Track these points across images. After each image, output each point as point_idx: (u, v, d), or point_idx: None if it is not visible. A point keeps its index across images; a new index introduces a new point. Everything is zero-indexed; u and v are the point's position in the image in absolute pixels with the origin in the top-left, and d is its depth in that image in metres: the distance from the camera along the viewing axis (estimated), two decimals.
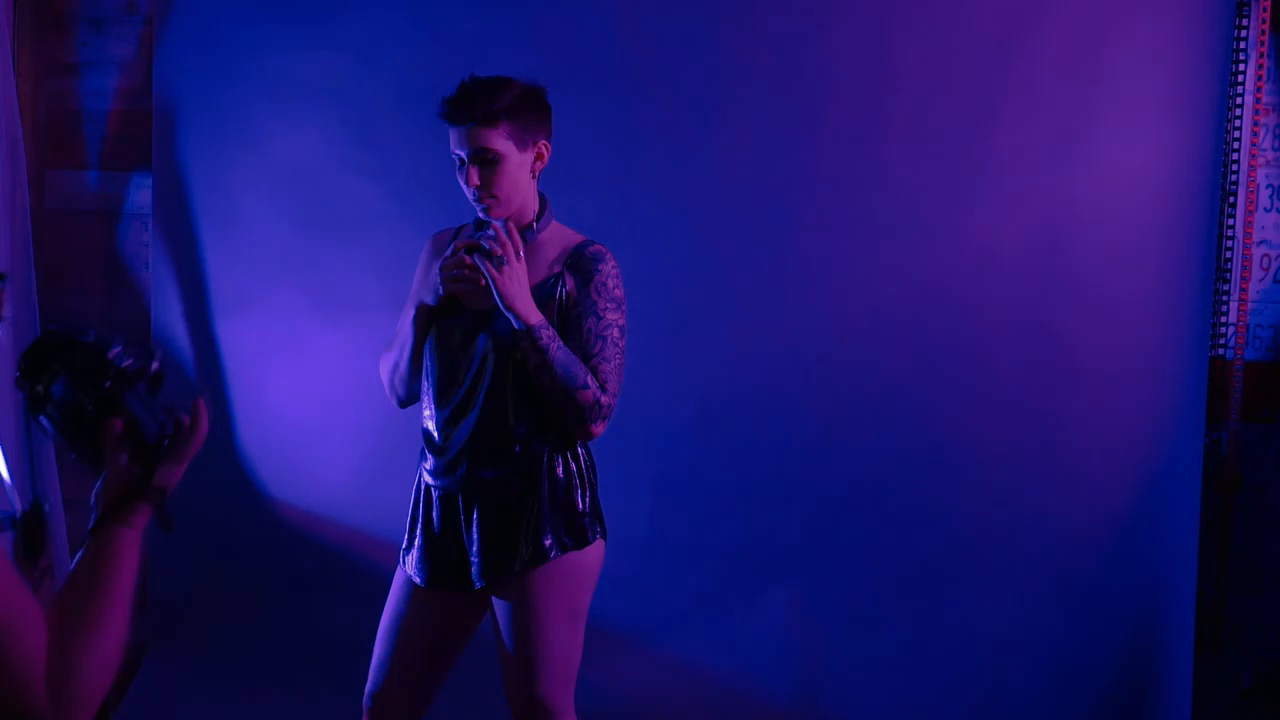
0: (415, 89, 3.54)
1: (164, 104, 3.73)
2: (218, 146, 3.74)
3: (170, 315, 3.78)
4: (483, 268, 2.35)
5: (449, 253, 2.42)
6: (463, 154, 2.39)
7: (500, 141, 2.37)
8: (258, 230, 3.74)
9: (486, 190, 2.38)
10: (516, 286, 2.35)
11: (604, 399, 2.39)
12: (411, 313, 2.48)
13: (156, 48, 3.74)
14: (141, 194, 3.82)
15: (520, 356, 2.38)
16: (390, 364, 2.56)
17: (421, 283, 2.51)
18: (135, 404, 1.46)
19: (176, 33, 3.72)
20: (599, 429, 2.41)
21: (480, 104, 2.35)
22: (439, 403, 2.47)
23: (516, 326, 2.35)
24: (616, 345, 2.42)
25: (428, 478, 2.50)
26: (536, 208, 2.49)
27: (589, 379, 2.37)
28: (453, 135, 2.40)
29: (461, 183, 2.42)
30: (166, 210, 3.77)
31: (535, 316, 2.36)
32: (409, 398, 2.57)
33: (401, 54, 3.60)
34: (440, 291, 2.41)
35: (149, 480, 1.45)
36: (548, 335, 2.35)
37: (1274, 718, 3.35)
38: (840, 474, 3.50)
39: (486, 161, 2.37)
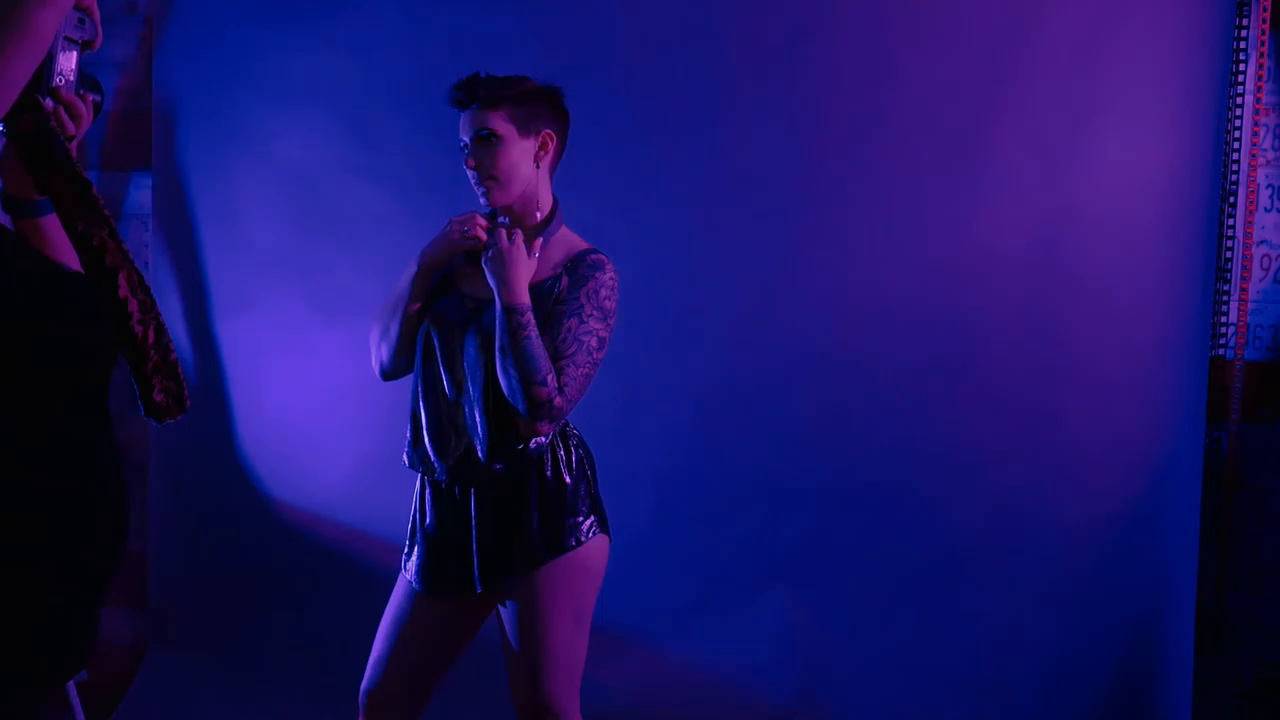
0: (415, 89, 3.54)
1: (164, 104, 3.74)
2: (218, 146, 3.74)
3: (170, 315, 3.77)
4: (498, 235, 2.37)
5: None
6: (466, 138, 2.42)
7: (500, 123, 2.39)
8: (258, 230, 3.74)
9: (485, 171, 2.40)
10: (520, 266, 2.35)
11: (558, 401, 2.32)
12: (413, 270, 2.47)
13: (156, 48, 3.74)
14: (141, 194, 3.82)
15: (489, 331, 2.36)
16: (380, 328, 2.52)
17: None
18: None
19: (176, 33, 3.72)
20: (544, 429, 2.35)
21: (484, 88, 2.39)
22: (434, 396, 2.44)
23: (500, 301, 2.33)
24: (591, 355, 2.38)
25: (406, 461, 2.48)
26: (547, 210, 2.49)
27: (550, 377, 2.31)
28: (460, 123, 2.43)
29: (467, 171, 2.44)
30: (166, 210, 3.77)
31: (523, 298, 2.34)
32: (393, 366, 2.52)
33: (401, 54, 3.60)
34: (446, 237, 2.44)
35: None
36: (527, 321, 2.32)
37: (1274, 718, 3.35)
38: (840, 474, 3.49)
39: (486, 142, 2.39)
